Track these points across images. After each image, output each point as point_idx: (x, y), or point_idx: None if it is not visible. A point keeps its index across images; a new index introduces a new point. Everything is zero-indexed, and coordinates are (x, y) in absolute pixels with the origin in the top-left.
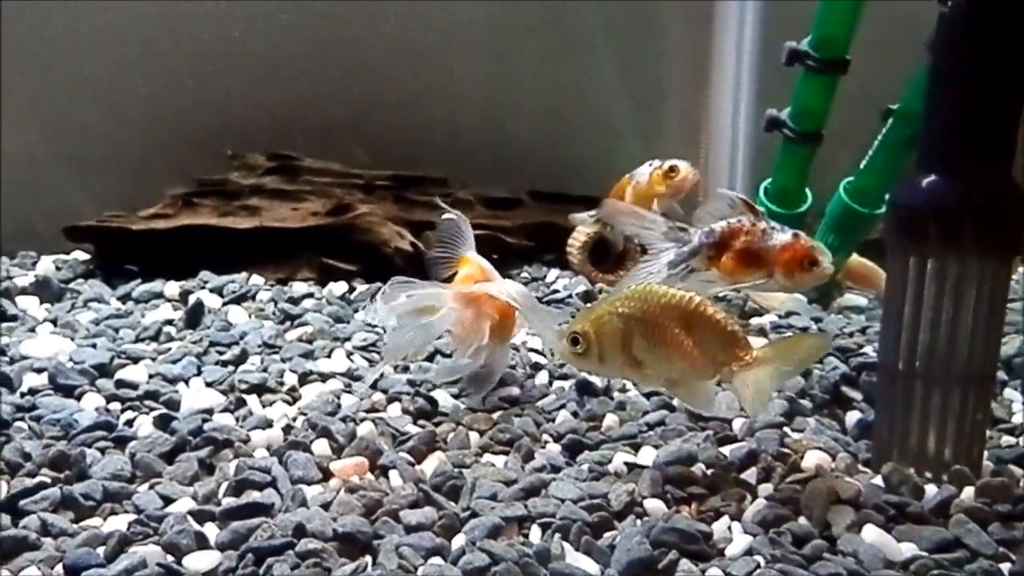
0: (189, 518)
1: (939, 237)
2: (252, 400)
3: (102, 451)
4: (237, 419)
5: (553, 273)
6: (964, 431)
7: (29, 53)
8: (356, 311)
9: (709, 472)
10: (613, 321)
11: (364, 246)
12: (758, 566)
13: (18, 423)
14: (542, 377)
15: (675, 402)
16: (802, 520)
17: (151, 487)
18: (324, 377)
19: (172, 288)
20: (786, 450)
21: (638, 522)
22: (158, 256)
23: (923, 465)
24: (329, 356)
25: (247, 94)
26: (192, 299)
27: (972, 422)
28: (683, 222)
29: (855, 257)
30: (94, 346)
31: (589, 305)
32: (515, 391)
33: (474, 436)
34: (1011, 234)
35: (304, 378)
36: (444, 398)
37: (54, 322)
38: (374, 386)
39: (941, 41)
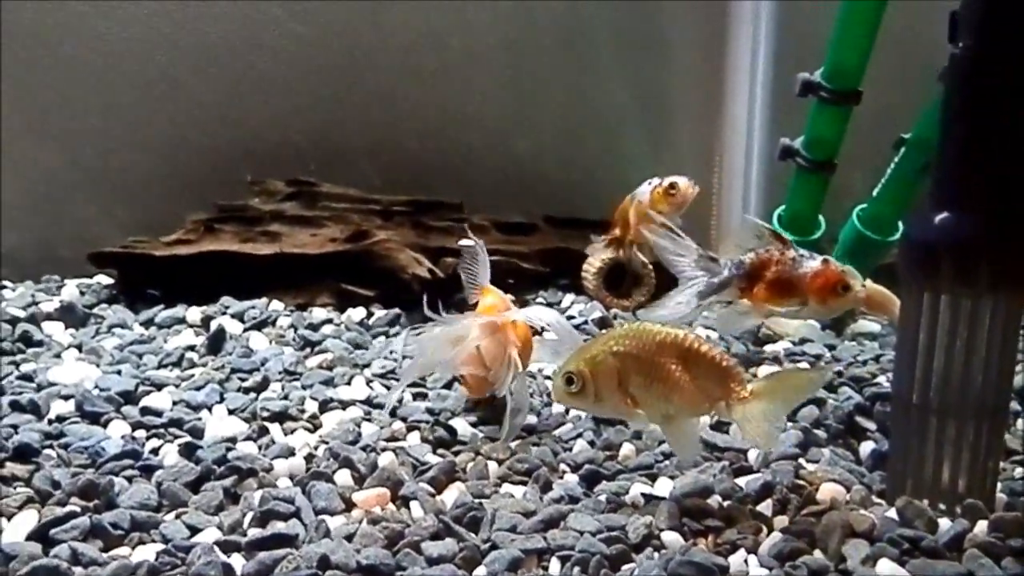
0: (216, 549)
1: (952, 273)
2: (274, 428)
3: (129, 480)
4: (260, 447)
5: (568, 298)
6: (978, 464)
7: (54, 80)
8: (375, 337)
9: (725, 504)
10: (608, 360)
11: (382, 272)
12: None
13: (47, 451)
14: (558, 405)
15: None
16: (817, 553)
17: (177, 516)
18: (344, 405)
19: (194, 314)
20: (801, 482)
21: (656, 555)
22: (180, 281)
23: (937, 497)
24: (349, 383)
25: (266, 120)
26: (214, 325)
27: (986, 455)
28: (684, 235)
29: (869, 283)
30: (119, 372)
31: (584, 344)
32: (532, 419)
33: (493, 466)
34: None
35: (324, 405)
36: (463, 427)
37: (79, 348)
38: (393, 413)
39: (952, 80)
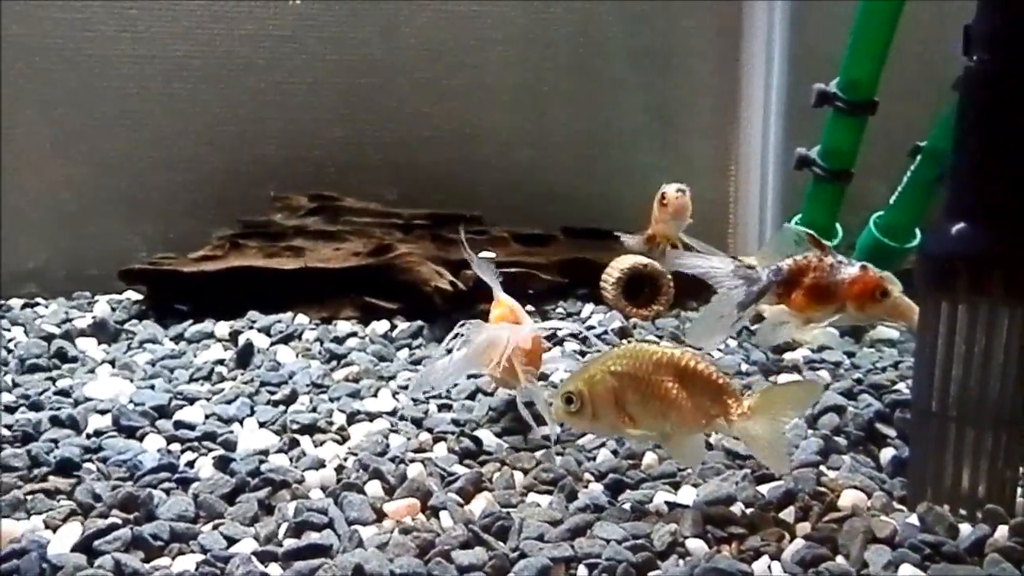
0: (253, 559)
1: (969, 283)
2: (304, 440)
3: (167, 492)
4: (291, 459)
5: (588, 308)
6: (997, 470)
7: (82, 101)
8: (399, 349)
9: (748, 511)
10: (606, 379)
11: (404, 285)
12: None
13: (87, 464)
14: None
15: (711, 439)
16: (840, 559)
17: (215, 528)
18: (371, 417)
19: (222, 328)
20: (823, 488)
21: (681, 562)
22: (207, 296)
23: (957, 503)
24: (375, 395)
25: (287, 137)
26: (242, 339)
27: (1005, 461)
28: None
29: None
30: (152, 387)
31: (583, 364)
32: (556, 429)
33: (519, 476)
34: None
35: (352, 418)
36: (488, 438)
37: (112, 363)
38: (419, 425)
39: (966, 92)
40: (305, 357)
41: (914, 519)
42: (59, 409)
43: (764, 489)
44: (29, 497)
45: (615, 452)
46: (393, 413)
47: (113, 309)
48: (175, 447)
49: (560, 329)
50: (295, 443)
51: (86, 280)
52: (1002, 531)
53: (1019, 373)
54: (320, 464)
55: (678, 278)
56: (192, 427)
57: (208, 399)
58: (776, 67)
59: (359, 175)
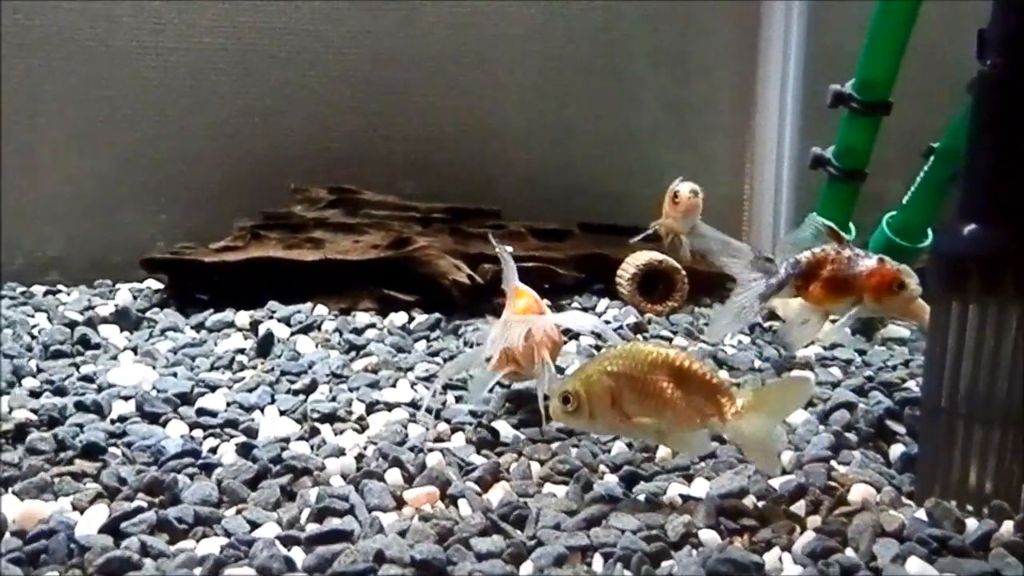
0: (277, 543)
1: (980, 283)
2: (325, 429)
3: (191, 477)
4: (312, 447)
5: (603, 303)
6: (1004, 467)
7: (105, 93)
8: (417, 341)
9: (760, 504)
10: (602, 380)
11: (423, 278)
12: None
13: (112, 449)
14: None
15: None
16: (849, 552)
17: (238, 512)
18: (390, 407)
19: (243, 318)
20: (833, 483)
21: (694, 552)
22: (228, 286)
23: (964, 499)
24: (394, 386)
25: (308, 130)
26: (262, 329)
27: (1011, 458)
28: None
29: None
30: (175, 375)
31: (580, 365)
32: None
33: (535, 466)
34: None
35: (371, 407)
36: (505, 429)
37: (135, 350)
38: (437, 415)
39: (979, 95)
40: (324, 347)
41: (922, 514)
42: (83, 394)
43: (776, 483)
44: (56, 480)
45: (629, 445)
46: (412, 404)
47: (135, 297)
48: (197, 433)
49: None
50: (315, 431)
51: (107, 268)
52: (1007, 526)
53: None
54: (340, 452)
55: (692, 275)
56: (214, 414)
57: (229, 387)
58: (792, 67)
59: (378, 168)
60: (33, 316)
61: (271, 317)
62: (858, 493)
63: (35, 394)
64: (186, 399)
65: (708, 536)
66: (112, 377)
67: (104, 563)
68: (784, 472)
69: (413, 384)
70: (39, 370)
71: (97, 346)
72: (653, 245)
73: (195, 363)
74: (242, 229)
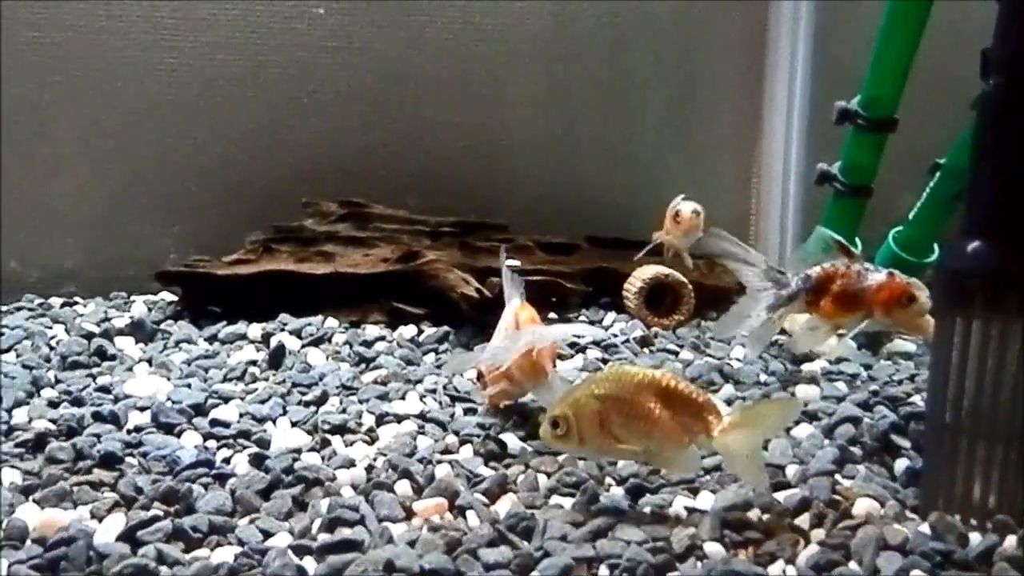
0: (289, 552)
1: (983, 300)
2: (335, 440)
3: (205, 487)
4: (323, 458)
5: (610, 317)
6: (1007, 482)
7: (119, 106)
8: (426, 354)
9: (765, 517)
10: (590, 403)
11: (432, 291)
12: None
13: (128, 458)
14: None
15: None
16: (853, 565)
17: (251, 522)
18: (399, 419)
19: (255, 330)
20: (838, 497)
21: (699, 564)
22: (240, 299)
23: (968, 513)
24: (403, 398)
25: (319, 144)
26: (274, 341)
27: (1015, 473)
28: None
29: None
30: (189, 386)
31: (568, 389)
32: None
33: (542, 479)
34: None
35: (381, 419)
36: (513, 441)
37: (150, 362)
38: (444, 428)
39: (983, 114)
40: (335, 359)
41: (926, 528)
42: (100, 405)
43: (780, 496)
44: (75, 488)
45: None
46: (421, 416)
47: (149, 309)
48: (211, 444)
49: (582, 335)
50: (326, 443)
51: (122, 281)
52: (1010, 540)
53: None
54: (351, 463)
55: (699, 289)
56: (227, 425)
57: (242, 398)
58: (799, 83)
59: (388, 183)
60: (51, 328)
61: (282, 329)
62: (862, 507)
63: (53, 404)
64: (200, 410)
65: (713, 548)
66: (128, 388)
67: (122, 570)
68: (785, 486)
69: (422, 396)
70: (57, 381)
71: (113, 357)
72: (658, 259)
73: (208, 375)
74: (254, 242)
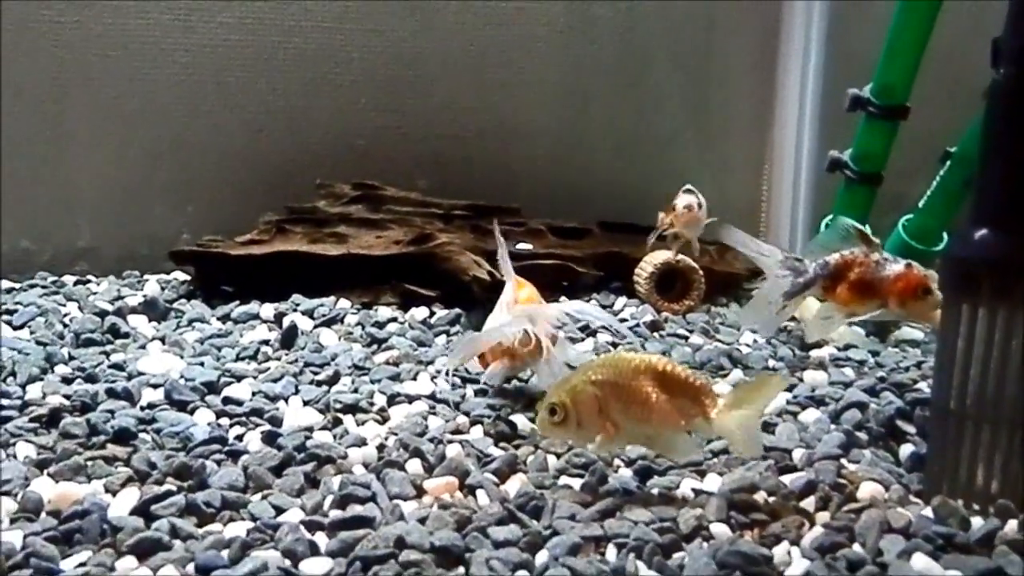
0: (301, 527)
1: (990, 288)
2: (347, 419)
3: (218, 463)
4: (335, 437)
5: (621, 301)
6: (1010, 467)
7: (136, 89)
8: (438, 335)
9: (770, 500)
10: (588, 389)
11: (444, 273)
12: None
13: (142, 435)
14: None
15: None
16: (856, 547)
17: (263, 498)
18: (411, 399)
19: (267, 310)
20: (843, 480)
21: (705, 545)
22: (253, 279)
23: (971, 498)
24: (415, 379)
25: (333, 126)
26: (286, 321)
27: (1018, 459)
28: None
29: None
30: (202, 364)
31: (565, 376)
32: None
33: (552, 459)
34: None
35: (392, 399)
36: (522, 422)
37: (162, 340)
38: (457, 407)
39: (993, 104)
40: (347, 340)
41: (928, 512)
42: (114, 382)
43: (787, 479)
44: (89, 463)
45: None
46: (432, 396)
47: (162, 288)
48: (224, 421)
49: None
50: (338, 422)
51: (135, 260)
52: (1012, 525)
53: None
54: (362, 442)
55: (709, 275)
56: (240, 403)
57: (255, 377)
58: (812, 70)
59: (401, 165)
60: (64, 305)
61: (295, 310)
62: (867, 491)
63: (67, 380)
64: (213, 388)
65: (719, 529)
66: (141, 365)
67: (136, 543)
68: (791, 470)
69: (433, 377)
70: (71, 357)
71: (126, 335)
72: (665, 246)
73: (221, 353)
74: (267, 223)
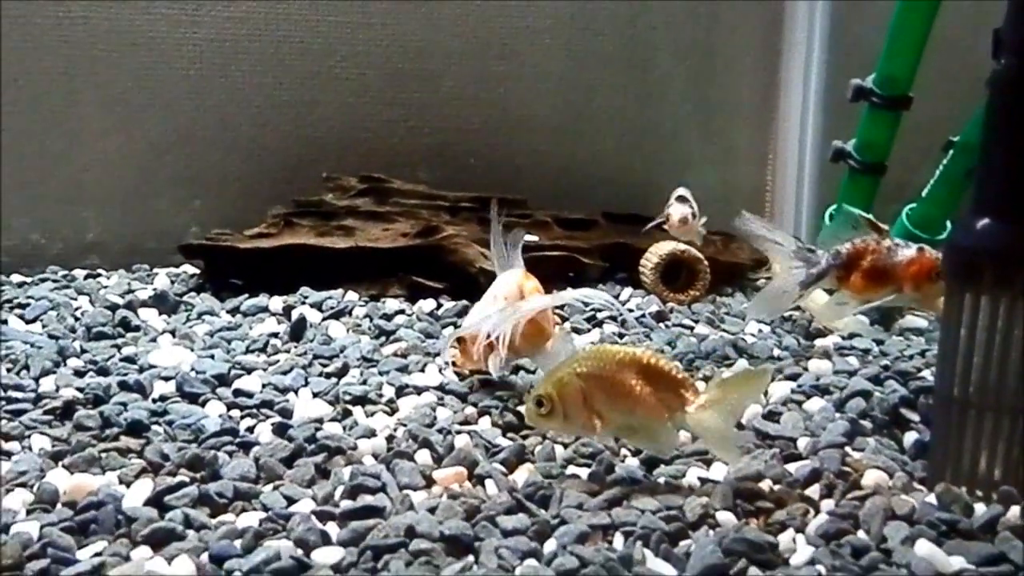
0: (313, 517)
1: (992, 277)
2: (356, 411)
3: (230, 454)
4: (344, 428)
5: (626, 292)
6: (1012, 454)
7: (144, 83)
8: (445, 327)
9: (776, 488)
10: (574, 381)
11: (451, 266)
12: (819, 575)
13: (154, 427)
14: None
15: (743, 420)
16: (860, 534)
17: (275, 488)
18: (419, 390)
19: (276, 303)
20: (847, 468)
21: (711, 532)
22: (262, 272)
23: (974, 485)
24: (423, 370)
25: (340, 119)
26: (295, 314)
27: (1020, 446)
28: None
29: None
30: (212, 357)
31: (551, 368)
32: None
33: (559, 449)
34: None
35: (400, 391)
36: None
37: (173, 333)
38: (464, 400)
39: (995, 94)
40: (355, 332)
41: (932, 498)
42: (126, 375)
43: (792, 468)
44: (103, 455)
45: None
46: (440, 388)
47: (172, 282)
48: (235, 413)
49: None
50: (348, 413)
51: (144, 253)
52: (1014, 511)
53: None
54: (372, 433)
55: (714, 265)
56: (250, 395)
57: (264, 369)
58: (816, 61)
59: (407, 158)
60: (76, 299)
61: (303, 302)
62: (871, 478)
63: (80, 373)
64: (223, 380)
65: (725, 517)
66: (152, 358)
67: (150, 533)
68: (796, 458)
69: (441, 369)
70: (83, 351)
71: (137, 328)
72: (670, 236)
73: (231, 346)
74: (275, 216)
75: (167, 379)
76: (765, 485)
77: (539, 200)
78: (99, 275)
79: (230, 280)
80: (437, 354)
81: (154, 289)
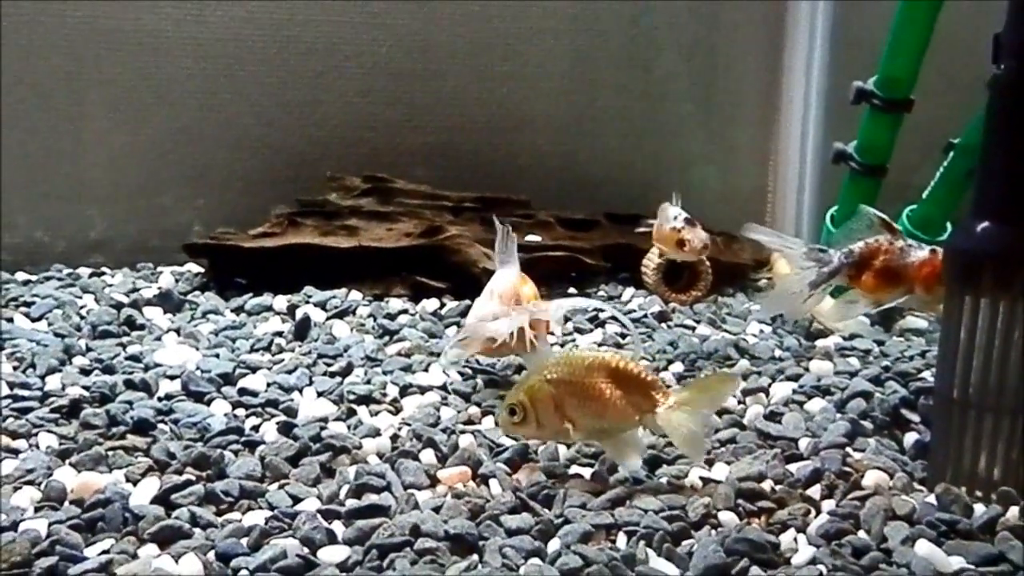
0: (318, 516)
1: (992, 279)
2: (361, 410)
3: (235, 453)
4: (349, 427)
5: (628, 292)
6: (1012, 455)
7: (150, 82)
8: (448, 327)
9: (777, 488)
10: (544, 388)
11: (454, 265)
12: (820, 575)
13: (160, 425)
14: None
15: (745, 420)
16: (861, 534)
17: (280, 487)
18: (423, 390)
19: (280, 302)
20: (848, 469)
21: (713, 532)
22: (266, 271)
23: (973, 485)
24: (426, 370)
25: (344, 119)
26: (299, 313)
27: (1020, 447)
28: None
29: None
30: (217, 356)
31: (523, 376)
32: None
33: (563, 449)
34: None
35: (404, 390)
36: None
37: (178, 332)
38: (469, 400)
39: (995, 98)
40: (359, 332)
41: (932, 499)
42: (131, 373)
43: (793, 468)
44: (110, 453)
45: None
46: (443, 387)
47: (176, 280)
48: (240, 412)
49: (597, 308)
50: (352, 412)
51: (147, 251)
52: (1013, 511)
53: None
54: (376, 432)
55: (716, 266)
56: (255, 394)
57: (269, 368)
58: (817, 62)
59: (411, 158)
60: (81, 297)
61: (308, 302)
62: (872, 478)
63: (85, 372)
64: (228, 379)
65: (727, 517)
66: (158, 357)
67: (157, 531)
68: (797, 458)
69: (445, 369)
70: (88, 349)
71: (142, 327)
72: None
73: (236, 345)
74: (279, 216)
75: (172, 378)
76: (767, 485)
77: (541, 200)
78: (103, 273)
79: (234, 279)
80: (441, 353)
81: (159, 288)
